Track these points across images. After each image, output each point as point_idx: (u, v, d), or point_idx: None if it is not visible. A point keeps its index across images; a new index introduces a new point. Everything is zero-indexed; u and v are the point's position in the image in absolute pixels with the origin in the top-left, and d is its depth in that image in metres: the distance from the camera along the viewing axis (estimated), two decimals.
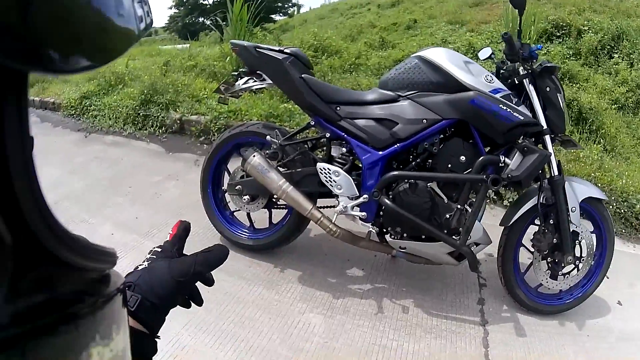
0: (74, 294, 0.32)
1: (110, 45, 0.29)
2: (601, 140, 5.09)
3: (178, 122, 4.14)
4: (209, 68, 5.42)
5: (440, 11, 8.87)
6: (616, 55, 6.64)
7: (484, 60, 2.63)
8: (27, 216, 0.26)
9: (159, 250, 0.67)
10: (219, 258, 0.64)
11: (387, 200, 2.29)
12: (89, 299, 0.33)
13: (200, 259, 0.63)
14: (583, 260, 2.59)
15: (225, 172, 2.83)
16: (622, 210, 3.91)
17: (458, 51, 6.02)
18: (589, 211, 2.60)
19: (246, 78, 2.60)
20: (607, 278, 3.15)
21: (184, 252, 0.70)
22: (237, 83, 2.62)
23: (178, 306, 0.64)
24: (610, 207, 3.87)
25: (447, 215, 2.31)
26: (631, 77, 6.17)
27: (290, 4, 22.08)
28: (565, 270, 2.60)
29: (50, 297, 0.29)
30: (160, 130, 4.12)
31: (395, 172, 2.31)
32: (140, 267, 0.63)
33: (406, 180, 2.30)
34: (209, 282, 0.66)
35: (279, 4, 20.92)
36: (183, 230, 0.73)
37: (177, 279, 0.60)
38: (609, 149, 5.08)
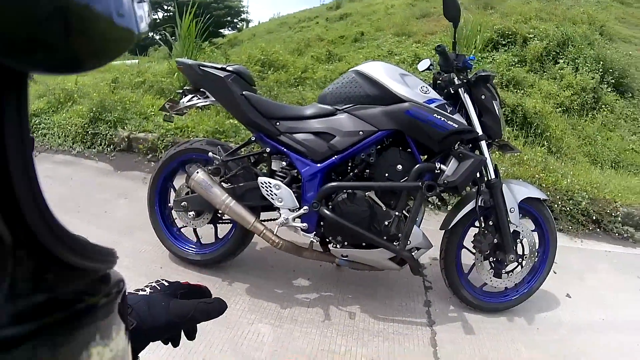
0: (74, 294, 0.31)
1: (112, 45, 0.29)
2: (545, 142, 5.27)
3: (126, 140, 4.10)
4: (157, 84, 5.38)
5: (387, 24, 8.96)
6: (561, 61, 6.89)
7: (422, 71, 2.69)
8: (27, 216, 0.26)
9: (166, 284, 0.67)
10: (218, 311, 0.65)
11: (326, 211, 2.34)
12: (89, 299, 0.33)
13: (200, 307, 0.63)
14: (526, 257, 2.68)
15: (172, 189, 2.83)
16: (568, 208, 4.05)
17: (404, 62, 6.17)
18: (529, 211, 2.69)
19: (190, 96, 2.61)
20: (555, 273, 3.27)
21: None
22: (181, 101, 2.63)
23: None
24: (556, 205, 4.00)
25: (386, 222, 2.36)
26: (576, 81, 6.40)
27: (239, 19, 22.08)
28: (508, 268, 2.68)
29: (51, 297, 0.29)
30: (109, 149, 4.08)
31: (334, 183, 2.36)
32: (140, 292, 0.63)
33: (344, 191, 2.36)
34: (192, 335, 0.66)
35: (228, 19, 20.86)
36: (200, 292, 0.71)
37: (173, 320, 0.60)
38: (554, 150, 5.26)
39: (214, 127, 4.16)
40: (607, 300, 3.16)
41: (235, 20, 22.28)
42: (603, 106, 6.42)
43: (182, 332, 0.65)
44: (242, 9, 23.46)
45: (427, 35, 7.77)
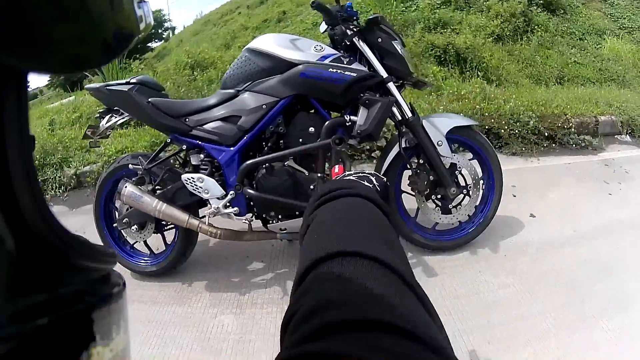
0: (74, 294, 0.31)
1: (113, 44, 0.29)
2: (483, 73, 5.29)
3: (74, 177, 4.11)
4: (93, 115, 5.33)
5: None
6: None
7: (323, 32, 2.70)
8: (28, 216, 0.26)
9: None
10: None
11: (250, 190, 2.38)
12: (89, 298, 0.33)
13: None
14: (470, 187, 2.69)
15: (115, 211, 2.86)
16: (517, 131, 4.07)
17: None
18: (462, 140, 2.71)
19: (107, 116, 2.64)
20: (514, 196, 3.30)
21: None
22: (101, 124, 2.65)
23: None
24: (503, 130, 4.04)
25: (311, 186, 2.39)
26: (504, 9, 6.44)
27: (163, 29, 21.77)
28: (455, 202, 2.70)
29: (51, 296, 0.29)
30: (60, 190, 4.10)
31: (248, 162, 2.39)
32: None
33: (263, 166, 2.40)
34: None
35: (153, 31, 20.60)
36: None
37: None
38: (493, 79, 5.28)
39: (151, 141, 4.20)
40: (574, 211, 3.18)
41: (159, 31, 21.89)
42: (536, 27, 6.47)
43: None
44: (163, 18, 23.24)
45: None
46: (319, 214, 0.66)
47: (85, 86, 2.88)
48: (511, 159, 3.96)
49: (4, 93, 0.24)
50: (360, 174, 0.79)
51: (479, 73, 5.27)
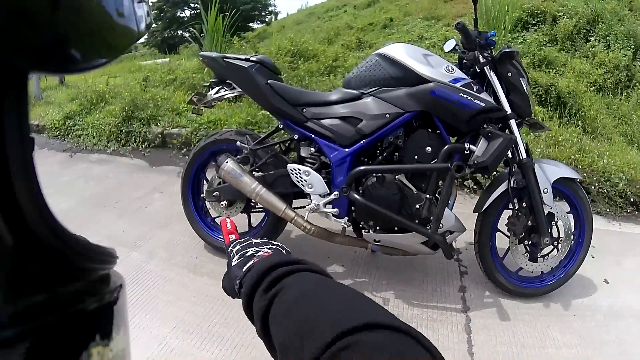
0: (74, 294, 0.32)
1: (114, 43, 0.29)
2: (580, 122, 5.12)
3: (160, 136, 4.19)
4: (188, 81, 5.46)
5: (415, 8, 8.84)
6: (592, 39, 6.69)
7: (448, 52, 2.65)
8: (28, 216, 0.26)
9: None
10: None
11: (356, 195, 2.34)
12: (89, 298, 0.33)
13: None
14: (562, 240, 2.61)
15: (204, 180, 2.87)
16: (605, 190, 3.93)
17: (435, 46, 6.07)
18: (564, 191, 2.62)
19: (217, 88, 2.65)
20: (593, 257, 3.18)
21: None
22: (209, 93, 2.67)
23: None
24: (593, 187, 3.90)
25: (417, 206, 2.35)
26: (608, 59, 6.22)
27: (267, 12, 22.05)
28: (544, 252, 2.62)
29: (51, 297, 0.29)
30: (143, 145, 4.18)
31: (362, 167, 2.35)
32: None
33: (374, 174, 2.35)
34: None
35: (256, 12, 20.87)
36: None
37: None
38: (589, 131, 5.10)
39: (246, 119, 4.20)
40: None
41: (263, 14, 22.23)
42: (637, 84, 6.23)
43: None
44: (268, 2, 23.37)
45: (456, 17, 7.63)
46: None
47: (199, 53, 2.90)
48: (594, 218, 3.81)
49: (4, 93, 0.24)
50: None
51: (579, 122, 5.09)
